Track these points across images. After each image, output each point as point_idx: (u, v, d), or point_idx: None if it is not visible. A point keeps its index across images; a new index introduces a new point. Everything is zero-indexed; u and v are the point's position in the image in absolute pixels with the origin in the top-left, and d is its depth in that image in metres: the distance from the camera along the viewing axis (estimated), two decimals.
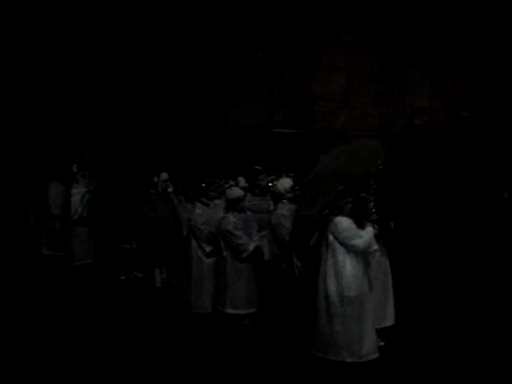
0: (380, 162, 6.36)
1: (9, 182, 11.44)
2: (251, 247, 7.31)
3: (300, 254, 6.67)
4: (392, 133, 8.27)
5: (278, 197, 7.50)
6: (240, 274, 7.36)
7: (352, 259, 5.87)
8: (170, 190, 9.60)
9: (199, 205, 7.91)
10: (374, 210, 6.21)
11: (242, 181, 9.17)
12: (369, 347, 5.87)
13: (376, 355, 5.92)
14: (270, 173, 8.69)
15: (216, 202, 8.06)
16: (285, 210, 7.23)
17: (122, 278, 9.80)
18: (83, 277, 9.98)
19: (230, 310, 7.36)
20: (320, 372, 5.84)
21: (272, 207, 7.80)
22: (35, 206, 11.02)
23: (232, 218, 7.36)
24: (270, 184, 8.35)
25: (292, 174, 7.96)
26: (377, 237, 6.11)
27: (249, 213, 7.67)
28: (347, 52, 12.81)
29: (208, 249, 7.70)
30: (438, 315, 7.45)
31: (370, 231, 5.98)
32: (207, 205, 7.92)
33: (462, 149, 9.19)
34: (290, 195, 7.28)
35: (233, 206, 7.42)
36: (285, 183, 7.45)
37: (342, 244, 5.88)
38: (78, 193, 10.47)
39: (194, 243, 7.78)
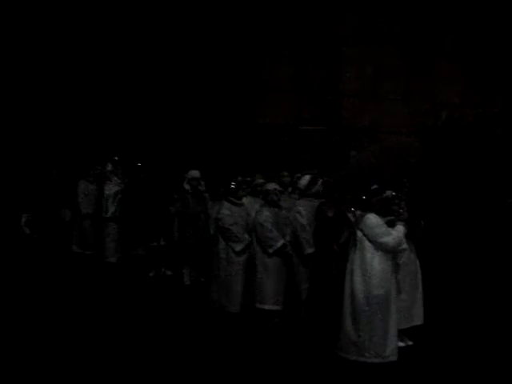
0: (414, 161, 6.30)
1: (45, 180, 11.60)
2: (279, 244, 7.32)
3: (326, 253, 6.67)
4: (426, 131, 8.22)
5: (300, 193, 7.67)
6: (269, 269, 7.39)
7: (381, 257, 5.79)
8: (202, 188, 9.60)
9: (227, 204, 7.88)
10: (405, 209, 6.13)
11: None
12: (392, 348, 5.79)
13: (396, 357, 5.83)
14: (296, 170, 8.68)
15: (244, 200, 8.07)
16: (303, 206, 7.33)
17: (151, 274, 9.86)
18: (112, 274, 10.08)
19: (257, 305, 7.39)
20: (342, 372, 5.79)
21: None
22: (71, 204, 11.18)
23: (266, 211, 7.46)
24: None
25: (316, 171, 7.97)
26: (407, 236, 6.03)
27: (284, 211, 7.67)
28: (375, 48, 12.70)
29: (238, 248, 7.68)
30: (467, 315, 7.37)
31: (400, 229, 5.89)
32: (235, 204, 7.89)
33: (492, 145, 9.07)
34: (307, 191, 7.46)
35: (266, 199, 7.55)
36: (304, 180, 7.58)
37: (371, 241, 5.81)
38: (111, 190, 10.61)
39: (222, 242, 7.78)
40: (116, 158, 10.90)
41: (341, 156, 10.95)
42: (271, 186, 7.69)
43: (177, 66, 12.35)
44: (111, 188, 10.66)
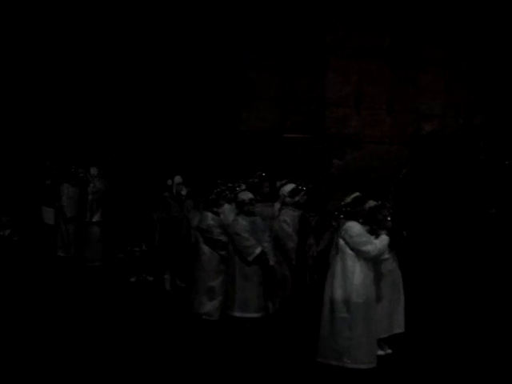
0: (404, 171, 6.36)
1: (30, 183, 11.56)
2: (258, 251, 7.28)
3: (307, 259, 6.69)
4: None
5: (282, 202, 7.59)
6: (248, 277, 7.36)
7: (362, 265, 5.84)
8: (184, 193, 9.61)
9: (210, 215, 7.85)
10: (389, 218, 6.16)
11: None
12: (370, 355, 5.82)
13: (374, 365, 5.85)
14: (279, 178, 8.65)
15: (225, 207, 8.05)
16: (288, 215, 7.32)
17: (132, 279, 9.84)
18: (93, 278, 10.04)
19: (238, 314, 7.35)
20: (323, 378, 5.82)
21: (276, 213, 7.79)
22: (55, 206, 11.17)
23: (241, 220, 7.36)
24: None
25: (300, 182, 7.94)
26: (389, 245, 6.07)
27: (258, 218, 7.64)
28: (359, 57, 12.78)
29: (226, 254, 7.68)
30: (448, 323, 7.42)
31: (384, 239, 5.94)
32: (216, 213, 7.87)
33: (474, 157, 9.16)
34: (290, 200, 7.41)
35: (241, 208, 7.43)
36: (287, 188, 7.53)
37: (353, 249, 5.85)
38: (94, 195, 10.60)
39: (204, 251, 7.76)
40: (109, 159, 10.91)
41: (323, 164, 11.00)
42: (246, 195, 7.54)
43: (161, 74, 12.36)
44: (95, 192, 10.64)
